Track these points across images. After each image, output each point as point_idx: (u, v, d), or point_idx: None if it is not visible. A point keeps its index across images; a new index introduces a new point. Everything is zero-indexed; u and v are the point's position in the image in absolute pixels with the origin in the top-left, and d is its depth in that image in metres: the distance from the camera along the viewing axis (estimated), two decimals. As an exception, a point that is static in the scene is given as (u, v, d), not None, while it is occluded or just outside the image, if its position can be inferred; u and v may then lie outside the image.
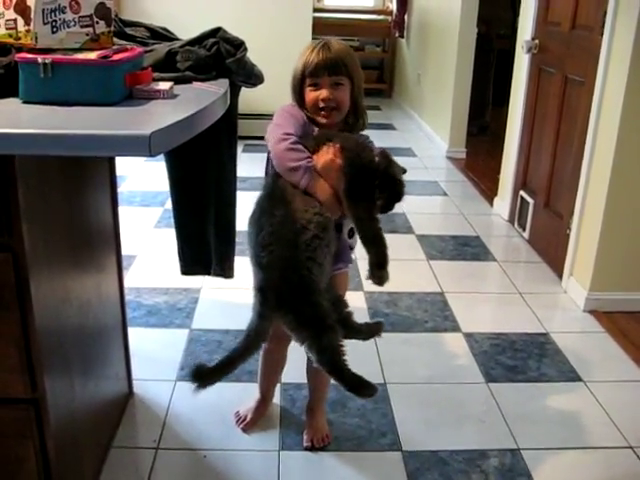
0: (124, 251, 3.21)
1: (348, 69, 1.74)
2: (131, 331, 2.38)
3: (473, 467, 1.95)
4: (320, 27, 7.73)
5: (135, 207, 3.99)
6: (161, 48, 1.79)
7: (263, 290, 1.66)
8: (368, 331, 1.86)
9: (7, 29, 1.48)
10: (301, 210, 1.61)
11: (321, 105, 1.74)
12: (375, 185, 1.63)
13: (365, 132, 1.88)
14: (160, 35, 1.96)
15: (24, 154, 1.23)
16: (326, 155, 1.64)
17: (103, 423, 1.95)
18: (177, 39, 1.94)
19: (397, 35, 7.61)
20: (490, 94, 6.12)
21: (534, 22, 3.56)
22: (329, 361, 1.66)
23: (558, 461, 2.01)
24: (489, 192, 4.41)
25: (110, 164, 1.99)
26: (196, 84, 1.69)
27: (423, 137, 6.14)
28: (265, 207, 1.66)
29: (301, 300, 1.63)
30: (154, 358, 2.43)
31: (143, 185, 4.36)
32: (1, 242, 1.28)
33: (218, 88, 1.64)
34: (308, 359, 1.93)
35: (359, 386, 1.69)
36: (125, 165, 4.77)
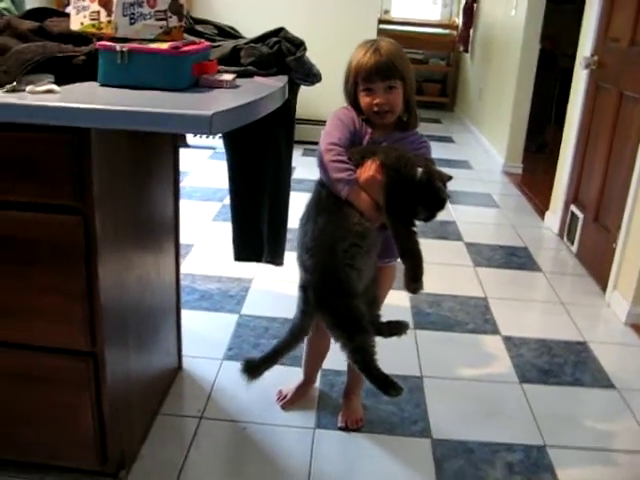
0: (183, 240, 3.39)
1: (400, 71, 1.79)
2: (184, 313, 2.53)
3: (499, 458, 2.03)
4: (385, 39, 7.87)
5: (195, 201, 4.18)
6: (227, 44, 1.94)
7: (305, 289, 1.81)
8: (389, 330, 1.94)
9: (91, 20, 1.65)
10: (342, 219, 1.73)
11: (375, 109, 1.81)
12: (416, 201, 1.71)
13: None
14: (227, 33, 2.11)
15: (99, 127, 1.38)
16: (368, 171, 1.72)
17: (153, 390, 2.09)
18: (242, 37, 2.09)
19: (462, 49, 7.67)
20: (552, 112, 6.12)
21: (594, 38, 3.61)
22: (360, 361, 1.80)
23: (583, 461, 2.06)
24: (542, 206, 4.44)
25: (174, 159, 2.12)
26: (257, 78, 1.83)
27: (481, 151, 6.19)
28: (311, 213, 1.79)
29: (337, 302, 1.76)
30: (204, 338, 2.57)
31: (204, 181, 4.55)
32: (75, 206, 1.44)
33: (277, 82, 1.78)
34: None
35: (387, 386, 1.80)
36: (189, 161, 4.99)
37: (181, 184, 4.55)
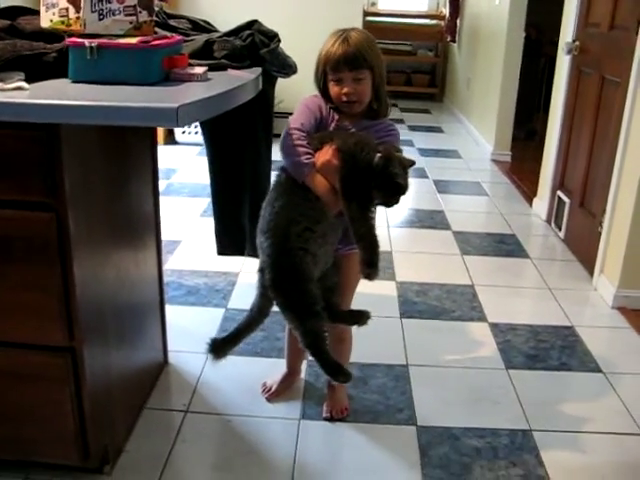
0: (170, 236, 3.40)
1: (368, 61, 1.79)
2: (171, 308, 2.54)
3: (483, 443, 2.04)
4: (373, 31, 7.76)
5: (184, 197, 4.18)
6: (200, 38, 1.94)
7: (262, 271, 1.82)
8: (350, 318, 1.97)
9: (60, 17, 1.66)
10: (297, 203, 1.74)
11: (344, 99, 1.82)
12: (372, 186, 1.70)
13: (399, 128, 1.94)
14: (201, 27, 2.11)
15: (68, 122, 1.39)
16: (324, 155, 1.73)
17: (137, 385, 2.10)
18: (217, 31, 2.09)
19: (449, 40, 7.67)
20: (540, 100, 6.13)
21: (575, 23, 3.62)
22: (310, 345, 1.81)
23: (568, 443, 2.07)
24: (530, 193, 4.46)
25: (152, 156, 2.10)
26: (231, 71, 1.83)
27: (470, 140, 6.20)
28: (270, 197, 1.81)
29: (290, 285, 1.77)
30: (190, 332, 2.58)
31: (193, 178, 4.56)
32: (47, 202, 1.45)
33: (250, 74, 1.78)
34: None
35: (336, 371, 1.82)
36: (177, 158, 4.99)
37: (169, 181, 4.60)
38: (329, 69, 1.82)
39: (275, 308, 1.88)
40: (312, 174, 1.73)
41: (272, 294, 1.81)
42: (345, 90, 1.80)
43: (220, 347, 1.96)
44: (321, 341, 1.80)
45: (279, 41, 1.99)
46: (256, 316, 1.92)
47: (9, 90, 1.43)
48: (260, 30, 1.98)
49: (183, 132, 5.44)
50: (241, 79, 1.70)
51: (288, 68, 2.05)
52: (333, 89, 1.83)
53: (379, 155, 1.71)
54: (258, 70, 1.88)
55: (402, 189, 1.72)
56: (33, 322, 1.54)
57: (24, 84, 1.47)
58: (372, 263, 1.72)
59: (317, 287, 1.79)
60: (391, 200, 1.74)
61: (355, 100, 1.82)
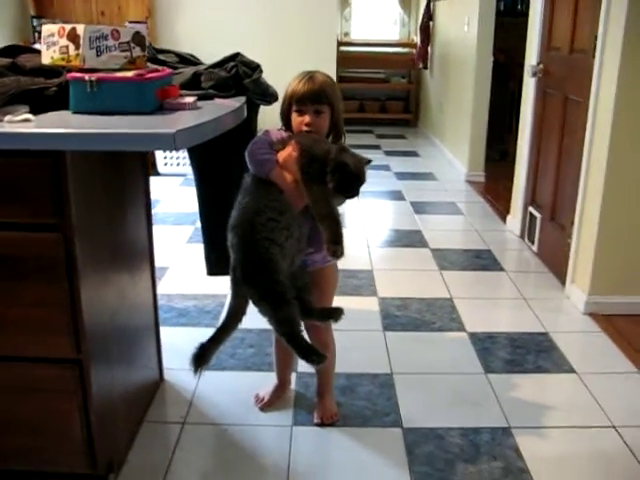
0: (158, 263, 3.48)
1: (329, 98, 2.00)
2: (163, 329, 2.64)
3: (466, 441, 2.16)
4: (347, 60, 8.09)
5: (169, 226, 4.30)
6: (188, 70, 2.09)
7: (234, 270, 1.95)
8: (325, 314, 2.09)
9: (61, 54, 1.79)
10: (261, 196, 1.90)
11: (304, 129, 2.00)
12: (327, 171, 1.86)
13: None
14: (187, 60, 2.26)
15: (76, 149, 1.52)
16: (286, 150, 1.92)
17: (137, 399, 2.21)
18: (202, 63, 2.24)
19: (421, 66, 7.91)
20: (511, 121, 6.34)
21: (539, 48, 3.82)
22: (287, 332, 1.93)
23: (545, 438, 2.21)
24: (503, 211, 4.63)
25: (145, 185, 2.25)
26: (217, 100, 1.98)
27: (445, 163, 6.39)
28: (238, 200, 1.96)
29: (261, 276, 1.90)
30: (183, 351, 2.63)
31: (177, 207, 4.69)
32: (54, 224, 1.57)
33: (235, 103, 1.93)
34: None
35: (309, 352, 1.93)
36: (160, 189, 5.12)
37: (154, 210, 4.71)
38: (294, 102, 2.00)
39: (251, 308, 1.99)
40: (276, 169, 1.90)
41: (244, 288, 1.93)
42: (306, 120, 1.99)
43: (203, 351, 2.06)
44: (295, 326, 1.93)
45: (261, 72, 2.15)
46: (232, 318, 2.03)
47: (17, 122, 1.57)
48: (243, 61, 2.13)
49: (165, 164, 5.58)
50: (228, 107, 1.85)
51: (270, 96, 2.20)
52: (296, 119, 2.01)
53: (336, 147, 1.91)
54: (242, 99, 2.03)
55: (354, 175, 1.87)
56: (42, 336, 1.65)
57: (30, 116, 1.60)
58: (336, 240, 1.86)
59: (287, 279, 1.91)
60: (345, 187, 1.88)
61: (314, 131, 2.00)
